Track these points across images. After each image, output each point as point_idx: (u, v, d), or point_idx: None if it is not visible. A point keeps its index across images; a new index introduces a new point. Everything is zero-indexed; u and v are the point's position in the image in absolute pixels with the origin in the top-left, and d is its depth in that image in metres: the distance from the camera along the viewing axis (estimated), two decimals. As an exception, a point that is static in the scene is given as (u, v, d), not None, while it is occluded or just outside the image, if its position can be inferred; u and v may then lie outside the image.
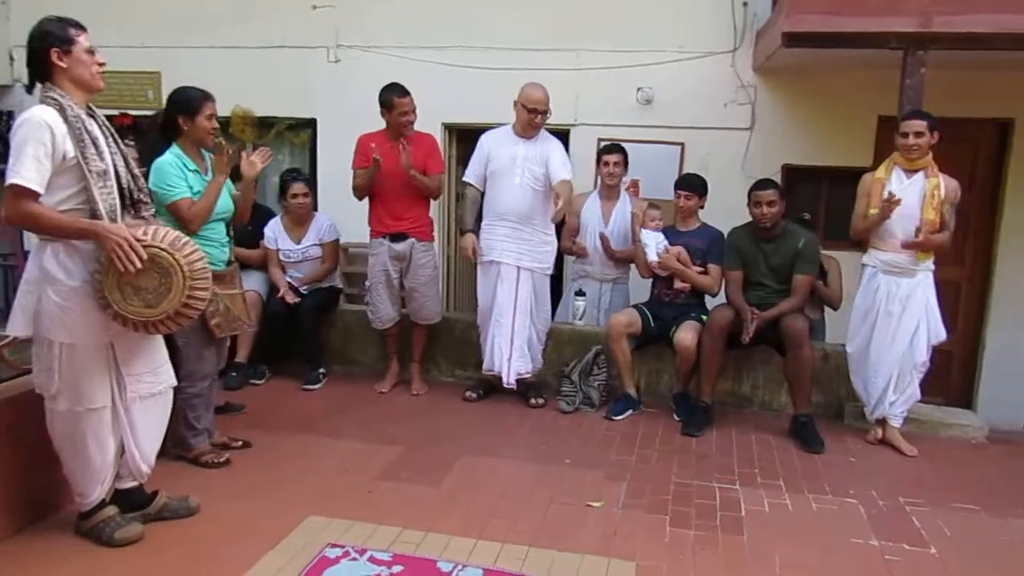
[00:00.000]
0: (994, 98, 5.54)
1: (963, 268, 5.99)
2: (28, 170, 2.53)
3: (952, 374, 6.05)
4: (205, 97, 3.54)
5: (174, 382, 3.08)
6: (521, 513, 3.29)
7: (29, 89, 2.75)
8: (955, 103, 5.04)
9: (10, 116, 7.16)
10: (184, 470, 3.57)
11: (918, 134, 4.02)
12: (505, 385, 4.68)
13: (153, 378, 2.96)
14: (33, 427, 2.88)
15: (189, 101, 3.51)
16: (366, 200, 4.78)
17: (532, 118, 4.52)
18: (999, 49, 4.45)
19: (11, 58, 7.17)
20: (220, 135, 3.62)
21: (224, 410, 4.26)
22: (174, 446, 3.56)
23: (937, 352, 4.37)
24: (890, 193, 4.03)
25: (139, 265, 2.66)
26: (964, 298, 6.03)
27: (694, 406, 4.51)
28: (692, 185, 4.70)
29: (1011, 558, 3.14)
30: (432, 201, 4.88)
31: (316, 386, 4.92)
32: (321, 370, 5.01)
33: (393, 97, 4.56)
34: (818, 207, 5.99)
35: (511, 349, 4.63)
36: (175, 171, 3.45)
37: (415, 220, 4.74)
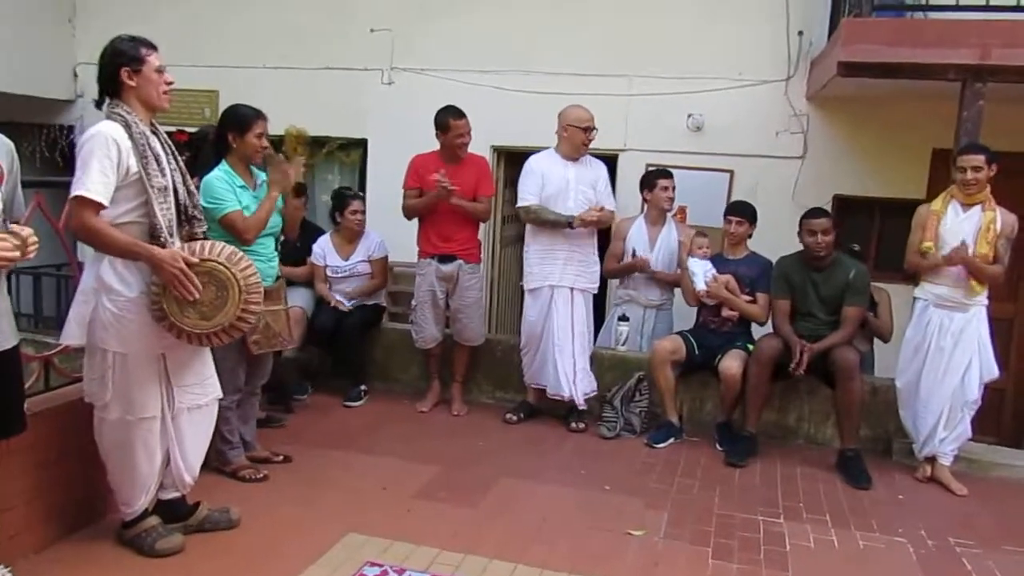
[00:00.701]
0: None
1: (1017, 305, 5.83)
2: (94, 183, 2.61)
3: (1004, 413, 5.87)
4: (256, 115, 3.60)
5: (220, 394, 3.13)
6: (560, 538, 3.26)
7: (99, 104, 2.84)
8: (1013, 137, 4.93)
9: (71, 131, 7.43)
10: (225, 483, 3.62)
11: (976, 168, 3.94)
12: (579, 406, 4.68)
13: (200, 390, 3.02)
14: (80, 435, 2.95)
15: (240, 118, 3.58)
16: (414, 220, 4.83)
17: (586, 136, 4.58)
18: (1058, 82, 4.36)
19: (75, 74, 7.43)
20: (271, 151, 3.68)
21: (265, 423, 4.31)
22: (214, 459, 3.61)
23: (989, 390, 4.26)
24: (963, 243, 3.94)
25: (196, 295, 2.73)
26: (1017, 335, 5.85)
27: (738, 436, 4.44)
28: (743, 212, 4.67)
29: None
30: (480, 224, 4.92)
31: (358, 403, 4.95)
32: (363, 387, 5.05)
33: (449, 119, 4.62)
34: (869, 238, 5.89)
35: (575, 371, 4.64)
36: (224, 186, 3.51)
37: (464, 242, 4.77)
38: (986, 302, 4.08)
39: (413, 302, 4.96)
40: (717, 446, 4.49)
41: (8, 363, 2.50)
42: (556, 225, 4.58)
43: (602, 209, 4.53)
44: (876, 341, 4.86)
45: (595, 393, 4.74)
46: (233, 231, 3.47)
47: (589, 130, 4.58)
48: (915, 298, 4.24)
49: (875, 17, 4.63)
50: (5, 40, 6.80)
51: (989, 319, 4.12)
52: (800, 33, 5.75)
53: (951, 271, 4.03)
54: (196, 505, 3.15)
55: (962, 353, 4.05)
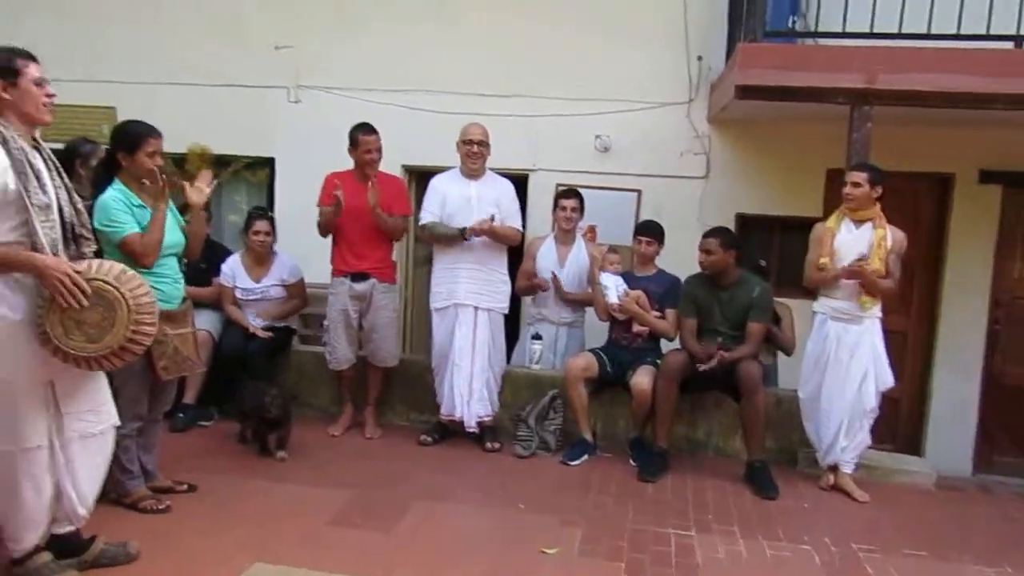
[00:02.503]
0: (936, 154, 5.74)
1: (909, 318, 6.13)
2: (-32, 202, 2.46)
3: (900, 421, 6.16)
4: (148, 132, 3.43)
5: (117, 422, 2.98)
6: (476, 559, 3.22)
7: (-26, 120, 2.68)
8: (900, 158, 5.21)
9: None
10: (125, 515, 3.44)
11: (855, 184, 4.16)
12: (467, 429, 4.64)
13: (94, 417, 2.86)
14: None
15: (130, 136, 3.42)
16: (324, 240, 4.75)
17: (468, 148, 4.60)
18: (938, 107, 4.64)
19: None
20: (164, 170, 3.53)
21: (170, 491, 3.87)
22: (112, 490, 3.43)
23: (886, 399, 4.45)
24: (862, 256, 4.11)
25: (84, 302, 2.59)
26: (910, 347, 6.16)
27: (650, 451, 4.50)
28: (653, 231, 4.78)
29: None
30: (395, 243, 4.87)
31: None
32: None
33: (359, 135, 4.58)
34: (770, 255, 6.11)
35: (471, 393, 4.61)
36: (120, 207, 3.35)
37: (378, 260, 4.71)
38: (880, 315, 4.27)
39: (325, 322, 4.86)
40: (631, 461, 4.55)
41: None
42: (451, 239, 4.58)
43: (493, 219, 4.50)
44: (780, 354, 5.02)
45: (490, 418, 4.72)
46: (132, 254, 3.31)
47: (471, 143, 4.59)
48: (814, 312, 4.41)
49: (768, 43, 4.83)
50: None
51: (884, 331, 4.32)
52: (699, 58, 5.95)
53: (846, 285, 4.21)
54: (92, 539, 2.97)
55: (858, 364, 4.23)
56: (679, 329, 4.63)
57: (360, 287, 4.68)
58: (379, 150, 4.64)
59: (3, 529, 2.78)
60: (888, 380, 4.31)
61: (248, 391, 4.37)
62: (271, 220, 5.17)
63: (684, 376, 4.41)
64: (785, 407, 4.71)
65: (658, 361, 4.59)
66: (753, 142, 6.00)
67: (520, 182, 5.38)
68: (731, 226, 5.60)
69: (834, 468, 4.35)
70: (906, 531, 3.86)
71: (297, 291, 5.17)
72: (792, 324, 4.91)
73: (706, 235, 4.53)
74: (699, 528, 3.71)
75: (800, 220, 5.52)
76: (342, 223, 4.61)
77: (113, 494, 3.46)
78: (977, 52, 4.62)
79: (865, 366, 4.23)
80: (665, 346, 4.79)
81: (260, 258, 5.07)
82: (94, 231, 3.02)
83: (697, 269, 4.62)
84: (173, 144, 3.58)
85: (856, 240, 4.19)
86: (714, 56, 5.91)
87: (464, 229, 4.51)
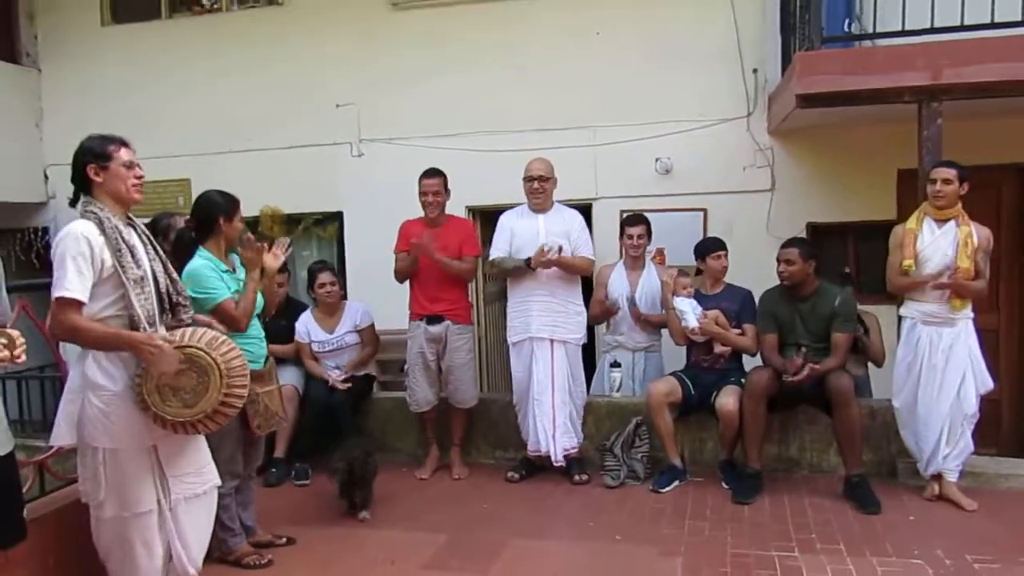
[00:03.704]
0: (1013, 144, 5.54)
1: (999, 315, 5.89)
2: (71, 282, 2.62)
3: (1003, 423, 5.88)
4: (237, 200, 3.60)
5: (218, 482, 3.08)
6: (576, 596, 3.19)
7: (73, 203, 2.85)
8: (975, 152, 5.02)
9: (45, 232, 7.42)
10: (230, 572, 3.53)
11: (946, 181, 4.04)
12: (555, 463, 4.63)
13: (197, 479, 2.97)
14: (79, 538, 2.88)
15: (227, 203, 3.56)
16: (398, 287, 4.85)
17: (530, 185, 4.66)
18: (1010, 96, 4.48)
19: (46, 176, 7.45)
20: (256, 234, 3.68)
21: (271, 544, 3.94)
22: (216, 548, 3.51)
23: (985, 401, 4.26)
24: (946, 269, 3.99)
25: (176, 367, 2.70)
26: (1003, 345, 5.90)
27: (742, 473, 4.40)
28: (720, 244, 4.77)
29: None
30: (468, 285, 4.93)
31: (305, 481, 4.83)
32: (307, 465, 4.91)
33: (421, 179, 4.69)
34: (848, 263, 5.96)
35: (554, 426, 4.59)
36: (211, 274, 3.49)
37: (452, 302, 4.77)
38: (972, 315, 4.12)
39: (405, 366, 4.93)
40: (723, 484, 4.45)
41: (5, 470, 2.45)
42: (519, 272, 4.61)
43: (561, 250, 4.50)
44: (871, 365, 4.87)
45: (575, 450, 4.69)
46: (226, 320, 3.42)
47: (531, 179, 4.65)
48: (901, 317, 4.28)
49: (826, 49, 4.76)
50: (-26, 149, 6.83)
51: (976, 331, 4.16)
52: (755, 70, 5.91)
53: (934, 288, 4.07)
54: (201, 598, 3.06)
55: (955, 368, 4.08)
56: (760, 345, 4.54)
57: (435, 329, 4.74)
58: (437, 192, 4.71)
59: (120, 592, 2.88)
60: (988, 382, 4.14)
61: (337, 452, 4.34)
62: (333, 270, 5.29)
63: (771, 393, 4.31)
64: (880, 417, 4.56)
65: (742, 380, 4.50)
66: (818, 150, 5.90)
67: (584, 210, 5.40)
68: (803, 236, 5.50)
69: (938, 477, 4.18)
70: (1022, 538, 3.67)
71: (369, 336, 5.26)
72: (880, 333, 4.76)
73: (785, 246, 4.45)
74: (803, 549, 3.60)
75: (874, 225, 5.39)
76: (415, 268, 4.71)
77: (217, 552, 3.54)
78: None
79: (962, 370, 4.07)
80: (747, 363, 4.70)
81: (331, 309, 5.19)
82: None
83: (770, 283, 4.54)
84: (246, 207, 3.71)
85: (940, 240, 4.07)
86: (769, 68, 5.87)
87: (529, 259, 4.54)
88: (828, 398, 4.24)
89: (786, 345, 4.44)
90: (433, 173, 4.73)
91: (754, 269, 4.96)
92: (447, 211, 4.88)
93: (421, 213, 4.82)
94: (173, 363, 2.69)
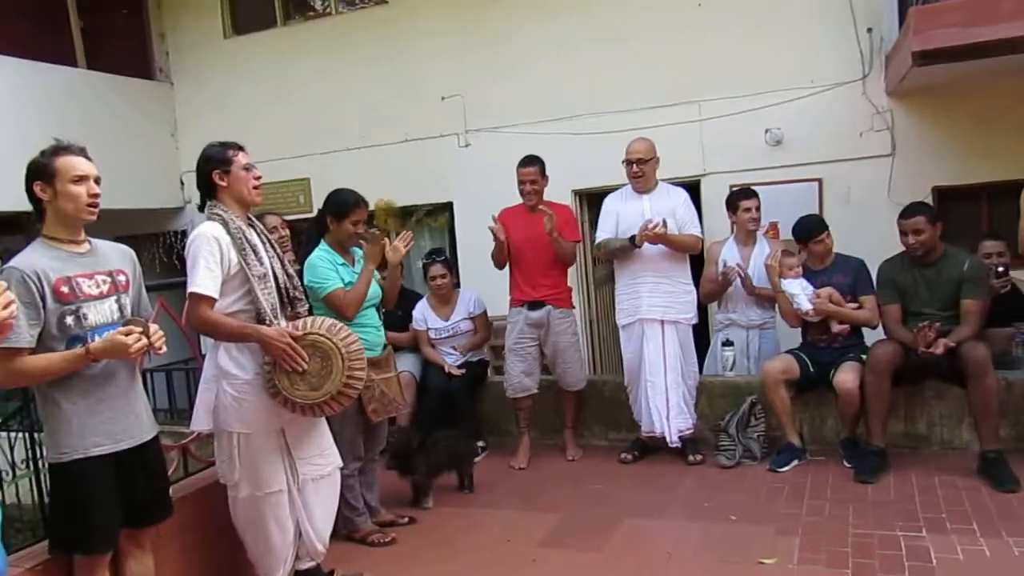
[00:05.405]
0: None
1: None
2: (203, 279, 2.83)
3: None
4: (356, 203, 3.75)
5: (340, 463, 3.26)
6: (690, 574, 3.19)
7: (201, 207, 3.07)
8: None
9: (183, 235, 7.99)
10: (355, 549, 3.72)
11: None
12: (670, 444, 4.60)
13: (322, 460, 3.16)
14: (220, 516, 3.12)
15: (340, 205, 3.75)
16: (507, 274, 4.91)
17: (629, 168, 4.61)
18: None
19: (182, 183, 8.04)
20: (370, 227, 3.84)
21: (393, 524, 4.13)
22: (342, 527, 3.71)
23: None
24: None
25: (304, 366, 2.88)
26: None
27: (865, 451, 4.23)
28: (822, 225, 4.52)
29: None
30: (568, 269, 4.96)
31: (476, 459, 5.00)
32: (480, 443, 5.10)
33: (518, 168, 4.74)
34: (979, 226, 5.60)
35: (668, 407, 4.57)
36: (327, 265, 3.69)
37: (552, 287, 4.80)
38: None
39: (504, 351, 5.02)
40: (844, 463, 4.30)
41: (150, 452, 2.70)
42: (624, 251, 4.58)
43: (665, 224, 4.39)
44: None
45: (691, 430, 4.63)
46: (335, 307, 3.63)
47: (630, 162, 4.58)
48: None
49: (945, 1, 4.48)
50: (116, 161, 7.31)
51: None
52: (870, 30, 5.64)
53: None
54: (330, 573, 3.27)
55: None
56: (883, 317, 4.33)
57: (536, 315, 4.78)
58: (535, 181, 4.70)
59: (256, 567, 3.12)
60: None
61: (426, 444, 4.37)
62: (445, 261, 5.43)
63: (896, 368, 4.12)
64: (1018, 390, 4.27)
65: (863, 355, 4.32)
66: (943, 108, 5.58)
67: (692, 188, 5.32)
68: (928, 201, 5.21)
69: (1085, 453, 3.90)
70: None
71: (481, 323, 5.39)
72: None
73: (907, 215, 4.17)
74: (931, 528, 3.44)
75: (1009, 184, 5.03)
76: (515, 254, 4.76)
77: (343, 531, 3.75)
78: None
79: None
80: (868, 336, 4.50)
81: (445, 298, 5.35)
82: (304, 290, 3.35)
83: (894, 251, 4.33)
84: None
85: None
86: (885, 25, 5.59)
87: (634, 237, 4.50)
88: (961, 369, 4.01)
89: (909, 314, 4.23)
90: (529, 161, 4.74)
91: (875, 237, 4.76)
92: (548, 196, 4.90)
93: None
94: (300, 361, 2.88)
